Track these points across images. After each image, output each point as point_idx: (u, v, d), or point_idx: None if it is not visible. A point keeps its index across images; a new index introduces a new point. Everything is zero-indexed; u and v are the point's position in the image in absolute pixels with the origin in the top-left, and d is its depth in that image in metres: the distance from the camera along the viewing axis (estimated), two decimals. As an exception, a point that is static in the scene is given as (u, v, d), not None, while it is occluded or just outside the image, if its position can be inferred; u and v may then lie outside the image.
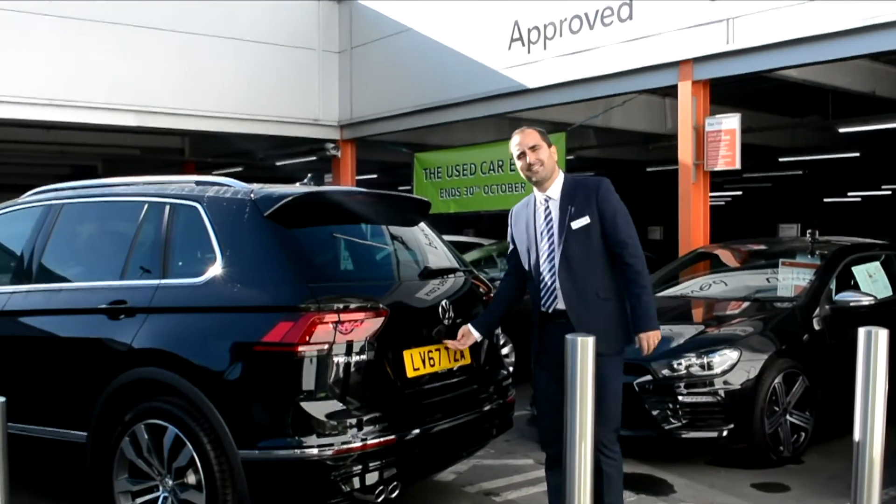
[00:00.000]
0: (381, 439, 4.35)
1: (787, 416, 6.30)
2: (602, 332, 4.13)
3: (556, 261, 4.39)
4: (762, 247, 8.70)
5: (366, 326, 4.43)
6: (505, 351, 8.70)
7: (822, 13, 8.51)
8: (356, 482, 4.25)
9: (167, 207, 4.88)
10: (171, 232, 4.80)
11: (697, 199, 9.84)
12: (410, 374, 4.87)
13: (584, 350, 3.75)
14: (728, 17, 9.32)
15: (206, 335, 4.43)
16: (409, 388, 4.78)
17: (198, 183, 5.02)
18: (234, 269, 4.45)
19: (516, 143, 4.54)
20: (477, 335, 4.83)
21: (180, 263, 4.75)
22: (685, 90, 9.94)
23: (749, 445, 6.10)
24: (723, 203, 31.05)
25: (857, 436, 4.05)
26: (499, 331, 5.60)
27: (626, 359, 6.13)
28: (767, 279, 7.66)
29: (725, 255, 8.61)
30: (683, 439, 6.11)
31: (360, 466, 4.25)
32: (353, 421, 4.28)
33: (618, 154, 19.56)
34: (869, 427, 4.02)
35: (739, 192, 30.23)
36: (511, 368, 8.55)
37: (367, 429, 4.31)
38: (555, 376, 4.29)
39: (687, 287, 7.98)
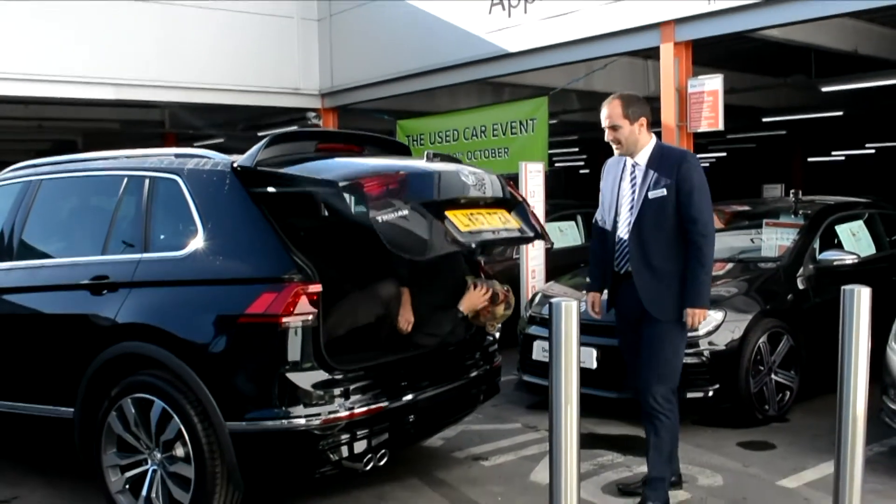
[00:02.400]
0: (369, 407, 4.37)
1: (772, 375, 6.34)
2: (660, 300, 4.52)
3: (630, 226, 4.56)
4: (746, 207, 8.71)
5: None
6: (491, 317, 8.73)
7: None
8: (344, 451, 4.27)
9: (147, 181, 4.84)
10: (151, 205, 4.76)
11: (681, 161, 9.82)
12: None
13: (567, 316, 3.76)
14: (708, -24, 9.26)
15: (190, 308, 4.40)
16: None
17: (177, 156, 4.97)
18: (215, 242, 4.43)
19: (602, 115, 4.66)
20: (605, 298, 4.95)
21: (162, 237, 4.72)
22: (667, 52, 9.89)
23: (734, 405, 6.15)
24: (707, 164, 31.10)
25: (840, 394, 4.08)
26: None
27: (611, 322, 6.24)
28: (751, 240, 7.68)
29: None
30: (670, 400, 6.14)
31: (347, 435, 4.27)
32: (340, 390, 4.28)
33: (599, 117, 19.50)
34: (852, 385, 4.05)
35: (724, 154, 30.28)
36: (498, 334, 8.61)
37: (354, 397, 4.32)
38: (625, 329, 4.79)
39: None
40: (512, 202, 4.97)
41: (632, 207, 4.58)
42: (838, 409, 4.08)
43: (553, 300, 3.77)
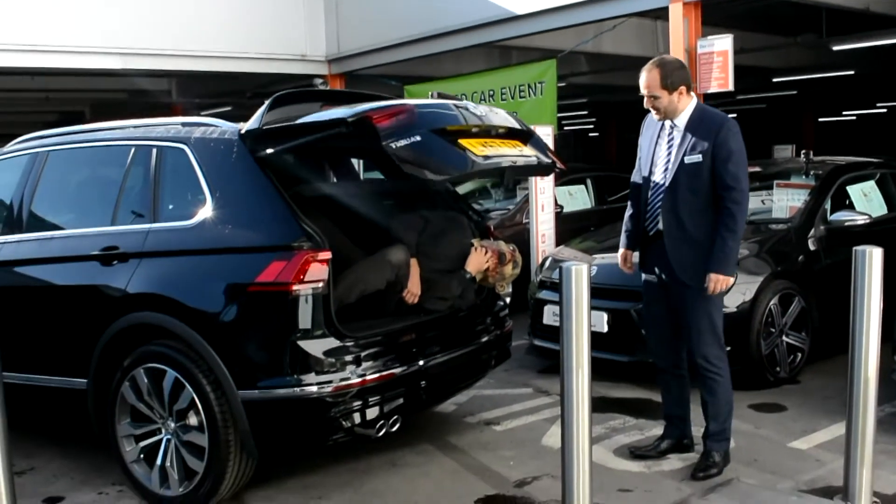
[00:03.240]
0: (380, 374, 4.38)
1: (784, 337, 6.33)
2: (691, 265, 4.50)
3: (664, 189, 4.54)
4: (757, 168, 8.61)
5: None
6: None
7: (814, -72, 8.35)
8: (356, 417, 4.29)
9: (154, 150, 4.83)
10: (159, 175, 4.75)
11: (690, 123, 9.76)
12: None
13: (578, 280, 3.75)
14: (719, -66, 9.14)
15: (201, 277, 4.41)
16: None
17: (184, 124, 4.96)
18: (224, 211, 4.42)
19: (640, 82, 4.62)
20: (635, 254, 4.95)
21: (170, 206, 4.72)
22: (676, 12, 9.79)
23: (746, 367, 6.13)
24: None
25: (851, 355, 4.07)
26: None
27: (622, 285, 6.24)
28: (762, 201, 7.62)
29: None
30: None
31: (359, 402, 4.28)
32: (351, 357, 4.30)
33: (610, 80, 19.33)
34: (863, 346, 4.04)
35: (734, 115, 29.96)
36: (508, 299, 8.62)
37: (365, 364, 4.33)
38: (652, 298, 4.82)
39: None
40: (527, 134, 4.90)
41: (666, 170, 4.55)
42: (849, 371, 4.08)
43: (563, 264, 3.76)
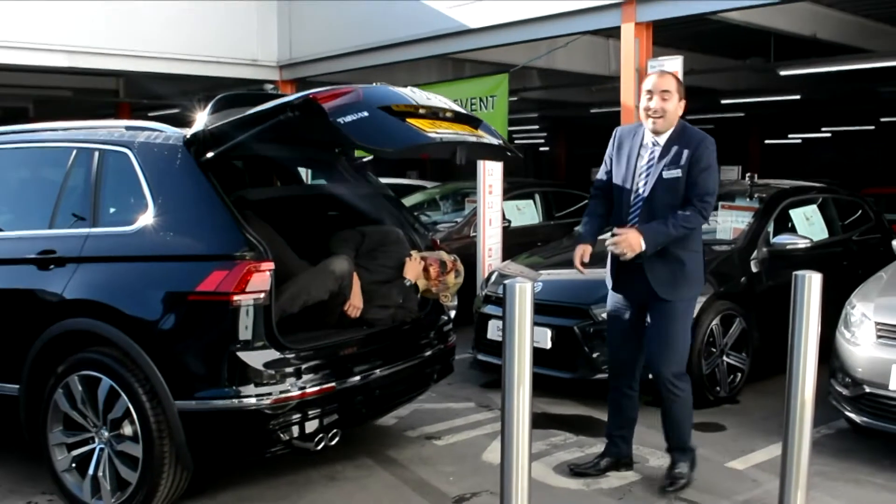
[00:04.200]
0: (321, 387, 4.34)
1: (724, 357, 6.40)
2: (669, 280, 4.54)
3: (642, 202, 4.54)
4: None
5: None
6: (448, 295, 8.72)
7: (764, -45, 8.50)
8: (295, 430, 4.25)
9: (96, 153, 4.74)
10: (100, 179, 4.66)
11: (639, 142, 9.85)
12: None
13: (521, 297, 3.74)
14: (671, -43, 9.25)
15: (139, 285, 4.32)
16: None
17: (128, 128, 4.87)
18: (166, 217, 4.35)
19: (651, 82, 4.55)
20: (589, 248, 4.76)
21: (111, 211, 4.63)
22: (628, 32, 9.89)
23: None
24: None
25: (789, 377, 4.12)
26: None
27: (566, 302, 6.27)
28: (707, 222, 7.70)
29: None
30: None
31: (298, 415, 4.24)
32: (292, 369, 4.25)
33: (562, 95, 19.52)
34: (801, 369, 4.08)
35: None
36: (453, 313, 8.60)
37: (305, 377, 4.29)
38: (622, 312, 4.75)
39: (628, 230, 8.01)
40: (476, 120, 4.87)
41: (645, 184, 4.53)
42: (787, 393, 4.12)
43: (507, 281, 3.75)
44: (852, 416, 5.21)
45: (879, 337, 5.08)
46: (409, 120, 4.25)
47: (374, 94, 4.26)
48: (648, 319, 4.67)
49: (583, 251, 4.71)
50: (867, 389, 5.05)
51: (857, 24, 13.27)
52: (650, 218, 4.49)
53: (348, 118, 3.97)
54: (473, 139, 4.60)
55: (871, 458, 5.21)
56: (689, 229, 4.48)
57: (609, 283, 4.81)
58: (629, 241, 4.42)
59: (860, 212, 8.69)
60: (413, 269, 5.11)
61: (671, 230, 4.43)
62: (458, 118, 4.63)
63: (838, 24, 12.82)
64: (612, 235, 4.52)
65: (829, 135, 29.24)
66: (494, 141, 4.83)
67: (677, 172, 4.47)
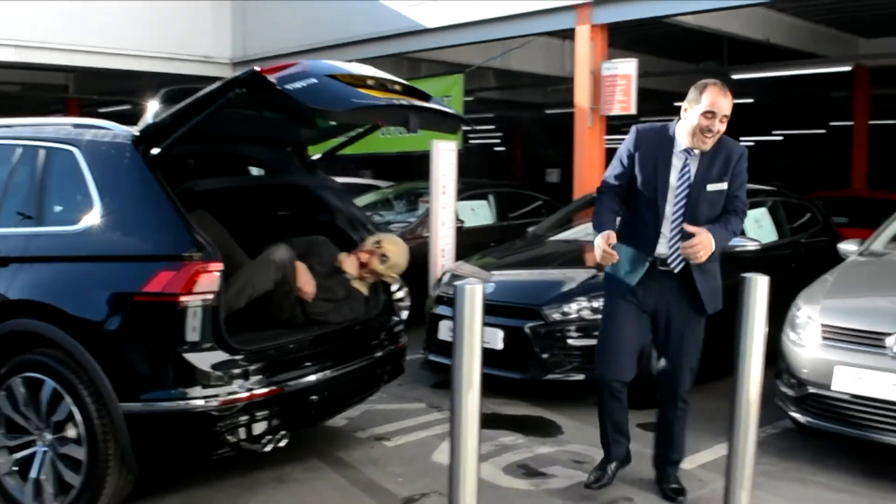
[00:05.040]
0: (269, 388, 4.30)
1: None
2: (713, 294, 4.46)
3: (681, 218, 4.31)
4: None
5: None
6: (400, 295, 8.73)
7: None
8: (242, 432, 4.21)
9: (42, 151, 4.66)
10: (46, 178, 4.59)
11: (593, 143, 9.96)
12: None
13: (472, 299, 3.74)
14: (626, -40, 9.34)
15: (85, 285, 4.25)
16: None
17: (75, 126, 4.81)
18: (112, 217, 4.28)
19: (716, 104, 4.21)
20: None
21: (56, 211, 4.55)
22: (583, 34, 9.98)
23: (636, 387, 6.21)
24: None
25: (736, 378, 4.17)
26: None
27: (518, 303, 6.30)
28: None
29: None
30: (573, 382, 6.22)
31: (246, 417, 4.20)
32: (240, 370, 4.21)
33: (517, 96, 19.61)
34: (747, 370, 4.14)
35: (637, 136, 30.67)
36: (406, 313, 8.60)
37: (253, 378, 4.25)
38: (632, 319, 4.48)
39: (580, 231, 8.06)
40: (425, 95, 4.81)
41: (687, 200, 4.31)
42: (733, 394, 4.18)
43: (458, 283, 3.75)
44: (797, 416, 5.28)
45: (824, 338, 5.16)
46: (359, 88, 4.24)
47: (320, 65, 4.25)
48: (667, 331, 4.50)
49: (608, 236, 4.28)
50: (811, 390, 5.12)
51: (808, 30, 13.50)
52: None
53: (297, 85, 3.94)
54: (420, 105, 4.56)
55: (815, 458, 5.29)
56: (736, 235, 4.48)
57: (623, 282, 4.48)
58: (705, 243, 4.22)
59: (809, 215, 8.83)
60: (347, 264, 5.12)
61: (729, 234, 4.38)
62: (406, 91, 4.61)
63: (790, 29, 13.03)
64: (678, 234, 4.32)
65: (780, 138, 29.66)
66: (448, 110, 4.83)
67: (722, 186, 4.34)
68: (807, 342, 5.23)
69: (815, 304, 5.39)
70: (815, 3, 11.50)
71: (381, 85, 4.42)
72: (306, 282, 4.91)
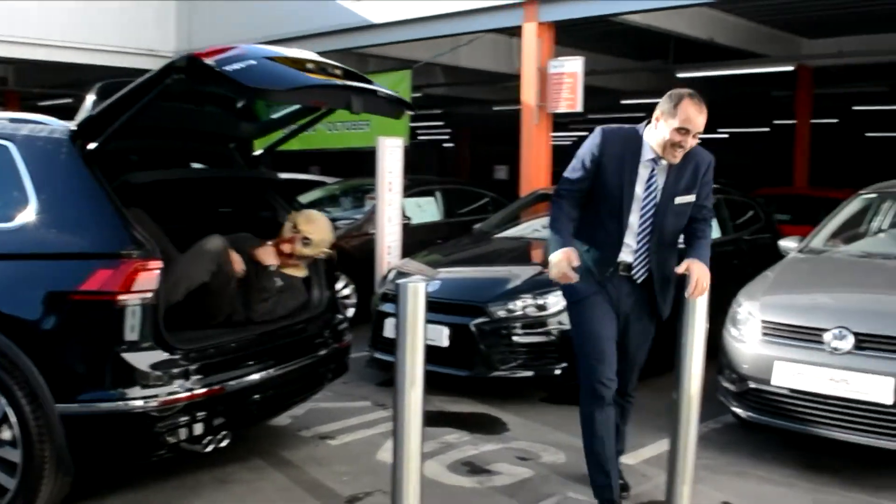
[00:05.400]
0: (210, 388, 4.25)
1: (618, 354, 6.49)
2: (668, 301, 4.36)
3: (649, 231, 4.20)
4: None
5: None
6: (347, 292, 8.70)
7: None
8: (183, 433, 4.15)
9: (-25, 146, 4.53)
10: (-22, 173, 4.46)
11: (539, 141, 9.99)
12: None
13: (414, 297, 3.73)
14: (572, -42, 9.39)
15: (19, 283, 4.15)
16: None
17: (11, 120, 4.68)
18: (49, 214, 4.18)
19: (692, 120, 4.00)
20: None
21: (-10, 207, 4.44)
22: (530, 31, 10.01)
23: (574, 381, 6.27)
24: (570, 143, 31.72)
25: (677, 373, 4.21)
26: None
27: (464, 300, 6.31)
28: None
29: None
30: (519, 378, 6.24)
31: (187, 417, 4.14)
32: (180, 370, 4.15)
33: (465, 92, 19.63)
34: (688, 365, 4.19)
35: (585, 133, 30.92)
36: (352, 311, 8.57)
37: (194, 378, 4.19)
38: (613, 314, 4.31)
39: (526, 228, 8.10)
40: (368, 81, 4.74)
41: (654, 213, 4.18)
42: (675, 389, 4.22)
43: (400, 281, 3.74)
44: (738, 410, 5.36)
45: (764, 334, 5.24)
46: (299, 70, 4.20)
47: (258, 49, 4.20)
48: (626, 332, 4.38)
49: (569, 256, 4.10)
50: (752, 385, 5.20)
51: (752, 30, 13.71)
52: (660, 243, 4.23)
53: (235, 66, 3.88)
54: (363, 85, 4.52)
55: (755, 452, 5.37)
56: (710, 234, 4.37)
57: (591, 279, 4.27)
58: (703, 275, 4.13)
59: (751, 212, 8.95)
60: (264, 255, 5.04)
61: (708, 248, 4.30)
62: (348, 75, 4.56)
63: (735, 29, 13.22)
64: (645, 246, 4.20)
65: (725, 136, 30.07)
66: (392, 94, 4.79)
67: (690, 198, 4.23)
68: (748, 338, 5.30)
69: (756, 300, 5.47)
70: (759, 3, 11.67)
71: (322, 69, 4.38)
72: (237, 261, 4.85)
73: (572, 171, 4.27)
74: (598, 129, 4.25)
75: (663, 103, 4.08)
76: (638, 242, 4.22)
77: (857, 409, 4.78)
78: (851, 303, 5.42)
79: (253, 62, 3.95)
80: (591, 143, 4.21)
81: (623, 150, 4.18)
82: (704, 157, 4.28)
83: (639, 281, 4.29)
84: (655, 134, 4.12)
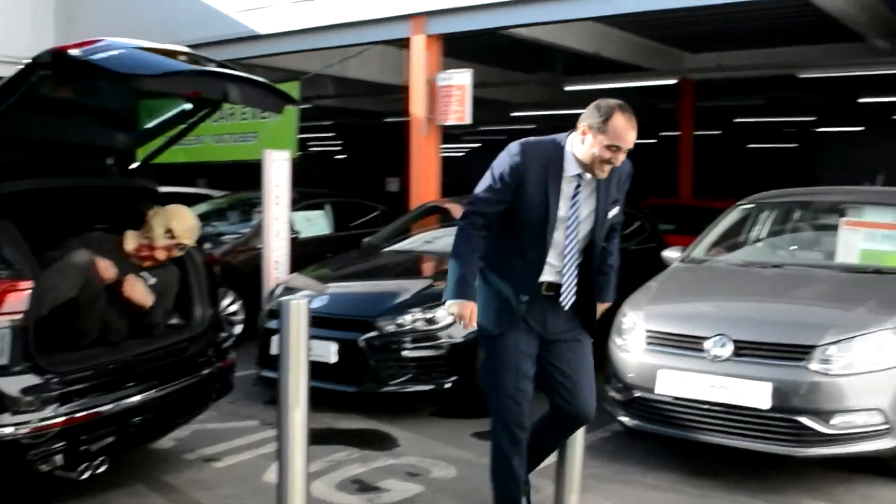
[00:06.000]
0: (86, 412, 4.10)
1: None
2: (594, 321, 4.06)
3: (575, 250, 3.87)
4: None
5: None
6: (234, 308, 8.52)
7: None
8: (58, 460, 3.98)
9: None
10: None
11: (428, 153, 10.00)
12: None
13: (297, 316, 3.67)
14: (460, -28, 9.44)
15: None
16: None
17: None
18: None
19: (621, 136, 3.70)
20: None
21: None
22: (418, 44, 10.02)
23: (471, 396, 6.28)
24: (461, 154, 31.96)
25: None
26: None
27: (352, 316, 6.25)
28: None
29: (454, 209, 8.78)
30: (409, 393, 6.20)
31: (61, 443, 3.98)
32: (54, 394, 3.98)
33: (356, 104, 19.56)
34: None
35: (478, 144, 31.23)
36: (240, 327, 8.40)
37: (70, 402, 4.03)
38: (550, 349, 3.95)
39: (416, 241, 8.08)
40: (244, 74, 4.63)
41: (577, 230, 3.85)
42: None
43: (282, 299, 3.67)
44: (625, 419, 5.43)
45: (649, 343, 5.33)
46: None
47: (124, 41, 4.06)
48: (564, 356, 3.97)
49: (469, 312, 3.81)
50: (637, 394, 5.28)
51: (637, 44, 14.06)
52: (587, 264, 3.94)
53: (103, 55, 3.77)
54: (247, 76, 4.43)
55: (642, 459, 5.45)
56: (618, 258, 4.16)
57: (501, 321, 3.90)
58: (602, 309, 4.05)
59: (637, 223, 9.14)
60: (104, 269, 4.66)
61: (614, 273, 4.13)
62: (223, 67, 4.47)
63: (620, 43, 13.53)
64: (572, 267, 3.89)
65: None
66: (270, 84, 4.69)
67: (615, 210, 3.95)
68: (632, 347, 5.39)
69: (640, 310, 5.57)
70: (643, 18, 11.96)
71: (195, 60, 4.29)
72: (105, 267, 4.64)
73: (487, 192, 3.84)
74: (516, 145, 3.84)
75: (590, 115, 3.75)
76: (565, 264, 3.88)
77: (737, 415, 4.90)
78: (731, 311, 5.56)
79: (122, 51, 3.84)
80: (510, 160, 3.80)
81: (546, 166, 3.81)
82: (625, 167, 3.95)
83: (566, 307, 3.93)
84: (582, 148, 3.77)
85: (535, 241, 3.84)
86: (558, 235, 3.84)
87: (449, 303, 3.84)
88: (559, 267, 3.89)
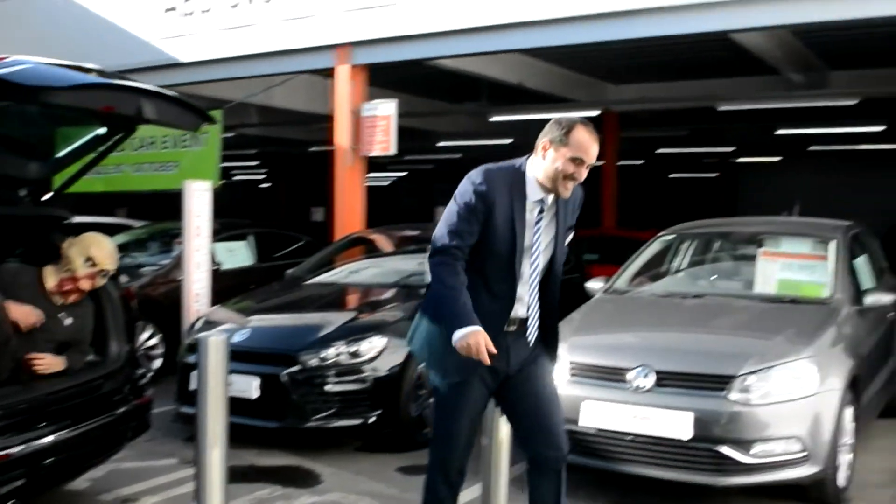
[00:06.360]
0: (-6, 454, 3.91)
1: (432, 400, 6.46)
2: (556, 342, 3.90)
3: (538, 278, 3.69)
4: (415, 232, 8.93)
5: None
6: (153, 342, 8.31)
7: (476, 7, 8.88)
8: (-36, 505, 3.80)
9: None
10: None
11: (353, 184, 9.96)
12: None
13: (216, 353, 3.59)
14: (385, 3, 9.46)
15: None
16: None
17: None
18: None
19: (585, 149, 3.56)
20: None
21: None
22: (343, 74, 10.00)
23: (396, 430, 6.21)
24: (387, 184, 31.95)
25: (488, 418, 4.20)
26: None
27: (274, 350, 6.15)
28: (419, 264, 7.83)
29: (379, 241, 8.75)
30: (333, 428, 6.10)
31: (-32, 487, 3.80)
32: (-41, 436, 3.81)
33: (281, 132, 19.44)
34: (496, 412, 4.20)
35: (404, 173, 31.27)
36: (159, 362, 8.19)
37: (-24, 444, 3.86)
38: (484, 394, 3.77)
39: (340, 273, 7.99)
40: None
41: (537, 255, 3.68)
42: (484, 434, 4.20)
43: (199, 336, 3.58)
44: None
45: (572, 375, 5.34)
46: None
47: (32, 57, 3.98)
48: (531, 375, 3.79)
49: (486, 341, 3.45)
50: (562, 426, 5.27)
51: (561, 75, 14.26)
52: (551, 292, 3.77)
53: (8, 69, 3.68)
54: (163, 91, 4.33)
55: (569, 492, 5.30)
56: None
57: (465, 368, 3.61)
58: None
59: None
60: (20, 314, 4.50)
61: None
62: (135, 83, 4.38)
63: (544, 74, 13.69)
64: (536, 297, 3.71)
65: (538, 177, 31.06)
66: (187, 101, 4.61)
67: (571, 235, 3.84)
68: (556, 379, 5.37)
69: (563, 341, 5.53)
70: (566, 51, 12.14)
71: (106, 76, 4.22)
72: (26, 314, 4.47)
73: (459, 223, 3.58)
74: (477, 173, 3.64)
75: (551, 130, 3.61)
76: (530, 295, 3.70)
77: (660, 445, 4.93)
78: (653, 341, 5.61)
79: (29, 64, 3.73)
80: (475, 190, 3.58)
81: (510, 192, 3.62)
82: (577, 192, 3.78)
83: (531, 341, 3.75)
84: (543, 165, 3.62)
85: (503, 273, 3.64)
86: (525, 267, 3.67)
87: (459, 335, 3.45)
88: (526, 300, 3.70)
